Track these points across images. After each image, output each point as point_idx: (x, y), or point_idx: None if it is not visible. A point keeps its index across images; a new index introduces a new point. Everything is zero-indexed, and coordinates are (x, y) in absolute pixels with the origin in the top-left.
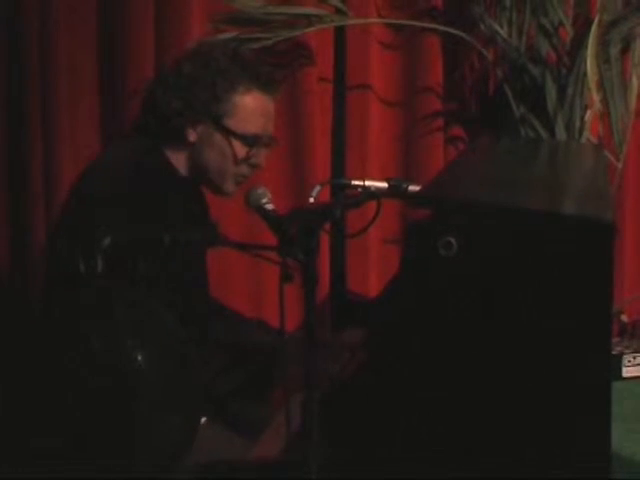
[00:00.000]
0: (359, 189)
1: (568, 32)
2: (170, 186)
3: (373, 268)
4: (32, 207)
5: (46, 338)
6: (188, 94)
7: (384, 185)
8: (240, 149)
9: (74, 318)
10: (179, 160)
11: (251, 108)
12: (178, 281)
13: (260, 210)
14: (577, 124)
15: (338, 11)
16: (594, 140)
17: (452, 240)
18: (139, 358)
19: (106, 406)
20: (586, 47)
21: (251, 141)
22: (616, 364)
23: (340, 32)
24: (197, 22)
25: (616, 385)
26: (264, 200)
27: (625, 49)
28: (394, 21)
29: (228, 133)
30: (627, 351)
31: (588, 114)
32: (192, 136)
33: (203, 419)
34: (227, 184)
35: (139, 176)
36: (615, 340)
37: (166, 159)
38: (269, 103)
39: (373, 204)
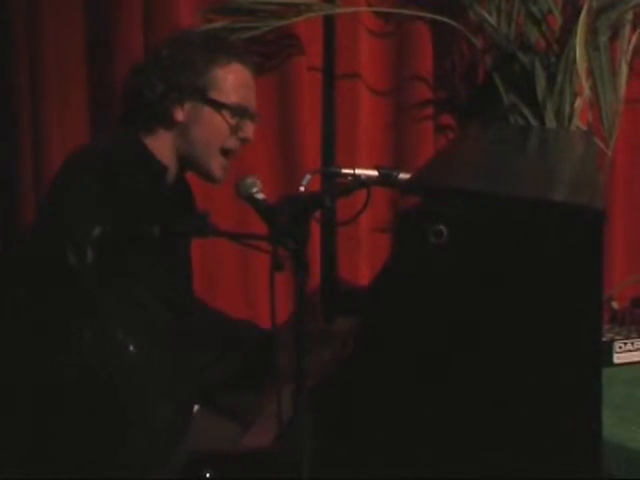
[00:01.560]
0: (349, 177)
1: (557, 19)
2: (143, 176)
3: (364, 256)
4: (22, 203)
5: (35, 331)
6: (170, 75)
7: (374, 173)
8: (229, 120)
9: (64, 310)
10: (163, 148)
11: (234, 79)
12: (165, 272)
13: (250, 199)
14: (567, 111)
15: (327, 0)
16: (584, 127)
17: (443, 228)
18: (130, 349)
19: (98, 397)
20: (575, 34)
21: (239, 111)
22: (607, 350)
23: (329, 21)
24: (186, 12)
25: (607, 372)
26: (254, 189)
27: (614, 36)
28: (383, 9)
29: (216, 105)
30: (618, 337)
31: (578, 101)
32: (180, 115)
33: (195, 407)
34: (214, 163)
35: (109, 167)
36: (606, 327)
37: (142, 148)
38: (250, 75)
39: (363, 192)
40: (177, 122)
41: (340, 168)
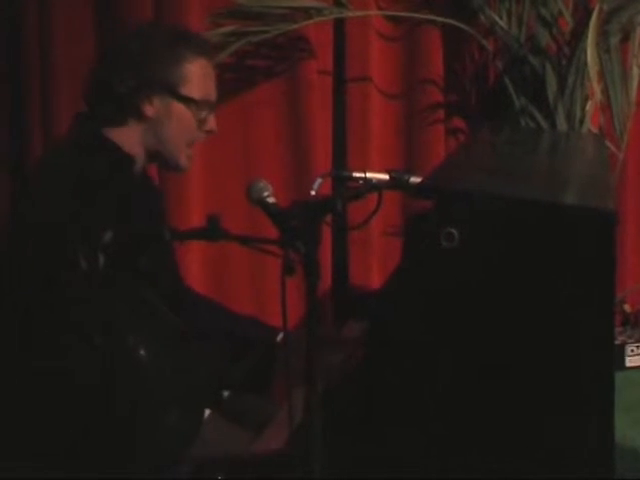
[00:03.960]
0: (360, 181)
1: (568, 22)
2: (112, 171)
3: (375, 260)
4: None
5: (45, 335)
6: (141, 70)
7: (385, 177)
8: (198, 115)
9: (75, 315)
10: (130, 141)
11: (201, 74)
12: (169, 275)
13: (262, 203)
14: (578, 114)
15: (337, 3)
16: (595, 130)
17: (454, 231)
18: (141, 353)
19: (109, 402)
20: (586, 37)
21: (206, 105)
22: (619, 354)
23: (339, 24)
24: (196, 16)
25: (619, 375)
26: (265, 193)
27: (625, 38)
28: (393, 13)
29: (186, 100)
30: (630, 341)
31: (589, 104)
32: (150, 111)
33: (207, 412)
34: (182, 156)
35: (82, 178)
36: (618, 330)
37: (109, 143)
38: (212, 70)
39: (374, 196)
40: (146, 117)
41: (351, 172)
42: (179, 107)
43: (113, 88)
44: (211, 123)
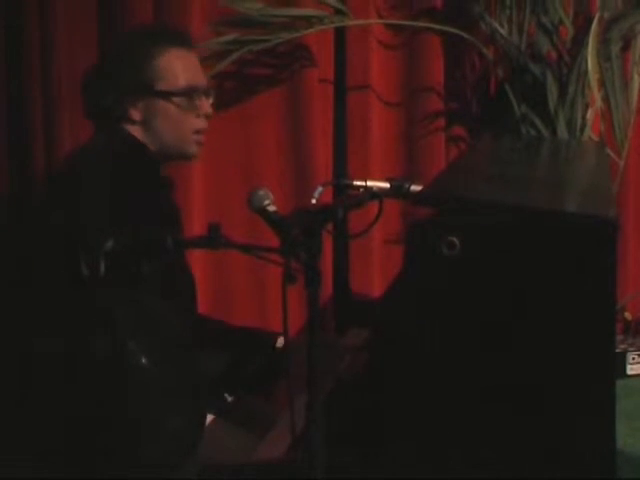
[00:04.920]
0: (361, 189)
1: (568, 30)
2: (145, 174)
3: (376, 268)
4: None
5: (46, 341)
6: (116, 78)
7: (386, 185)
8: (183, 104)
9: (76, 321)
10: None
11: (175, 64)
12: (173, 282)
13: (262, 212)
14: (578, 122)
15: (338, 12)
16: (596, 138)
17: (455, 239)
18: (143, 360)
19: (110, 408)
20: (587, 45)
21: (188, 92)
22: (620, 362)
23: (340, 33)
24: (197, 24)
25: (620, 383)
26: (266, 202)
27: (625, 47)
28: (394, 21)
29: (165, 95)
30: (631, 349)
31: (589, 112)
32: (136, 115)
33: (210, 417)
34: (189, 145)
35: (118, 172)
36: (619, 338)
37: (137, 142)
38: (191, 56)
39: (375, 204)
40: (136, 121)
41: (352, 180)
42: (161, 103)
43: (99, 103)
44: (204, 107)
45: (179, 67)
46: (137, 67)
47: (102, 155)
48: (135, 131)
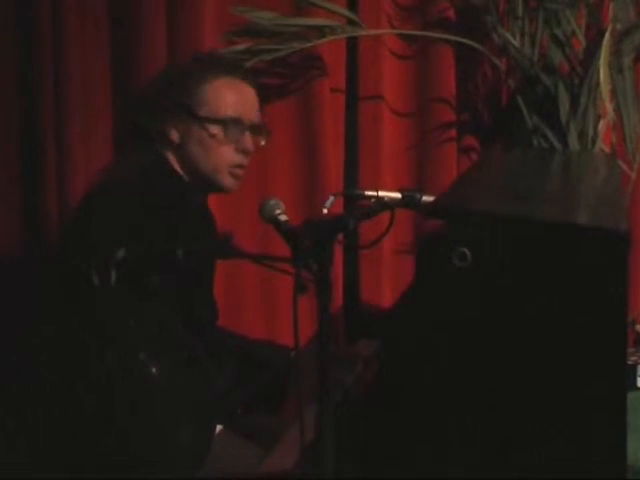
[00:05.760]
0: (372, 200)
1: (581, 42)
2: (180, 195)
3: (387, 279)
4: (46, 221)
5: (57, 351)
6: (164, 95)
7: (397, 196)
8: (219, 134)
9: (87, 331)
10: (176, 165)
11: (224, 93)
12: (188, 293)
13: (274, 221)
14: (590, 134)
15: (350, 22)
16: (607, 150)
17: (466, 251)
18: (153, 371)
19: (120, 419)
20: (599, 57)
21: (229, 123)
22: (631, 374)
23: (352, 43)
24: (210, 34)
25: (631, 395)
26: (278, 211)
27: (638, 58)
28: (406, 32)
29: (202, 120)
30: None
31: (601, 124)
32: (175, 136)
33: (218, 428)
34: (222, 176)
35: (150, 190)
36: (630, 350)
37: (170, 167)
38: (244, 88)
39: (387, 215)
40: (173, 142)
41: (363, 190)
42: (199, 129)
43: (146, 122)
44: (244, 143)
45: (227, 97)
46: (186, 87)
47: (136, 186)
48: (171, 154)
